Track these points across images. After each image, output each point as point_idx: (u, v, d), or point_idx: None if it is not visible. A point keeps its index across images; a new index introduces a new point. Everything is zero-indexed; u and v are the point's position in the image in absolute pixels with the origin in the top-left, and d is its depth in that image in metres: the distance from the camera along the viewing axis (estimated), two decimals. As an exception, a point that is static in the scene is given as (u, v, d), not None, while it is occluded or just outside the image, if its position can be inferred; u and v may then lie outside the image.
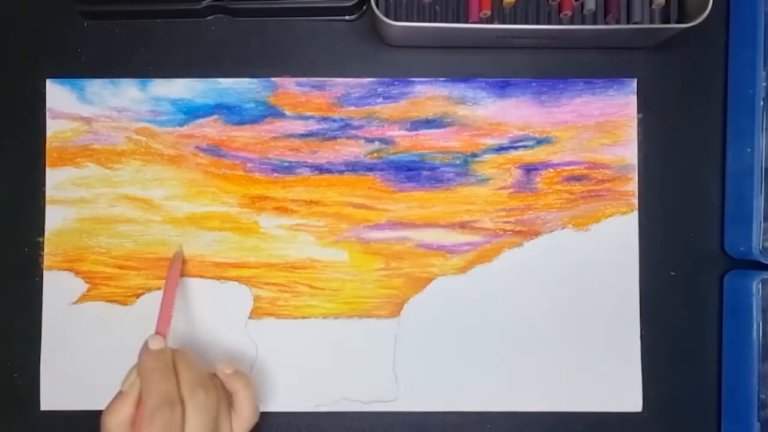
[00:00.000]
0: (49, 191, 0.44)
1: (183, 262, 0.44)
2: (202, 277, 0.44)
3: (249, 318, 0.44)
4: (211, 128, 0.44)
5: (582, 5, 0.43)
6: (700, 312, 0.44)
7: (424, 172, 0.44)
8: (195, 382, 0.36)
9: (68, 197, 0.44)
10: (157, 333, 0.38)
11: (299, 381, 0.44)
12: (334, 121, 0.45)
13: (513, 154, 0.45)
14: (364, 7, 0.44)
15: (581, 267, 0.44)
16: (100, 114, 0.45)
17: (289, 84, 0.45)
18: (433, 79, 0.45)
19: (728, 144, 0.44)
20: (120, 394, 0.37)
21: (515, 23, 0.44)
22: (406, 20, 0.43)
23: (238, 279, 0.44)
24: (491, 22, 0.43)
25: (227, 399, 0.39)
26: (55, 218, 0.44)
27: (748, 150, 0.42)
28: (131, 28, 0.45)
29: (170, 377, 0.36)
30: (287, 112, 0.45)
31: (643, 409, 0.44)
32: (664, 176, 0.45)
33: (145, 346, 0.38)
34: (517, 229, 0.44)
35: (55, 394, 0.44)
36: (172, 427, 0.34)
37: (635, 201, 0.44)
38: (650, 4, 0.44)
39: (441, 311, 0.44)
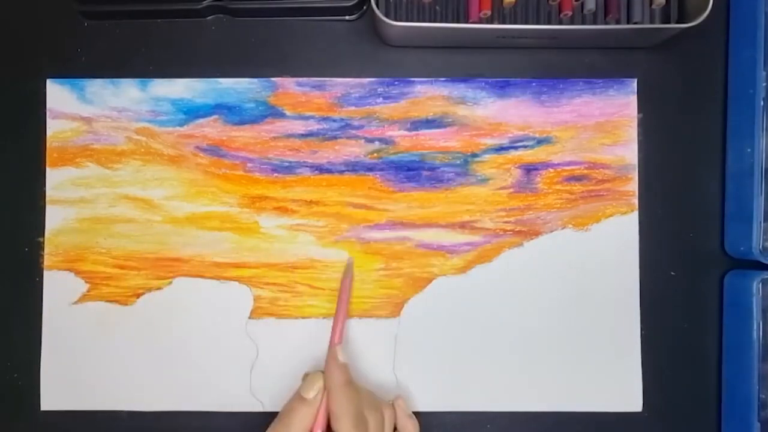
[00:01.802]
0: (49, 191, 0.44)
1: (352, 276, 0.44)
2: (202, 277, 0.44)
3: (249, 318, 0.44)
4: (211, 128, 0.44)
5: (582, 5, 0.43)
6: (700, 312, 0.44)
7: (424, 172, 0.44)
8: (371, 402, 0.38)
9: (68, 197, 0.44)
10: (337, 345, 0.39)
11: (299, 381, 0.44)
12: (334, 121, 0.45)
13: (513, 154, 0.45)
14: (364, 7, 0.44)
15: (581, 267, 0.44)
16: (100, 114, 0.45)
17: (289, 84, 0.45)
18: (433, 79, 0.45)
19: (728, 144, 0.44)
20: (303, 400, 0.37)
21: (515, 23, 0.44)
22: (406, 20, 0.44)
23: (238, 279, 0.44)
24: (491, 22, 0.43)
25: (392, 425, 0.39)
26: (55, 218, 0.44)
27: (748, 150, 0.42)
28: (131, 28, 0.45)
29: (358, 395, 0.37)
30: (287, 112, 0.45)
31: (643, 409, 0.44)
32: (664, 176, 0.45)
33: (334, 357, 0.38)
34: (517, 229, 0.44)
35: (55, 394, 0.44)
36: None
37: (635, 201, 0.44)
38: (650, 4, 0.44)
39: (441, 311, 0.44)
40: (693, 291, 0.45)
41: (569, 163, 0.45)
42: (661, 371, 0.44)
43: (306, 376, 0.39)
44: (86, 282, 0.44)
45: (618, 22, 0.44)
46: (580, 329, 0.44)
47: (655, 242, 0.44)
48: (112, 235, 0.44)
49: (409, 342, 0.44)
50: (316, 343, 0.44)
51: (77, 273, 0.44)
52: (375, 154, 0.44)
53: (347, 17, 0.45)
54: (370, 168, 0.44)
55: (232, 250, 0.44)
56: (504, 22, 0.44)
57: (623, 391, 0.44)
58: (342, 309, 0.41)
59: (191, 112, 0.45)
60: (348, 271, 0.43)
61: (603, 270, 0.44)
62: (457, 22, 0.44)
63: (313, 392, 0.37)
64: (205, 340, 0.44)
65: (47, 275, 0.44)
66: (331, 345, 0.39)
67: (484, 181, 0.44)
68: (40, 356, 0.44)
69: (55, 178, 0.44)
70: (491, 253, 0.44)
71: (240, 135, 0.44)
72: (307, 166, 0.44)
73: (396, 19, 0.43)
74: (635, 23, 0.43)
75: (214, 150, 0.44)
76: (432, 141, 0.44)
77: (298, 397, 0.37)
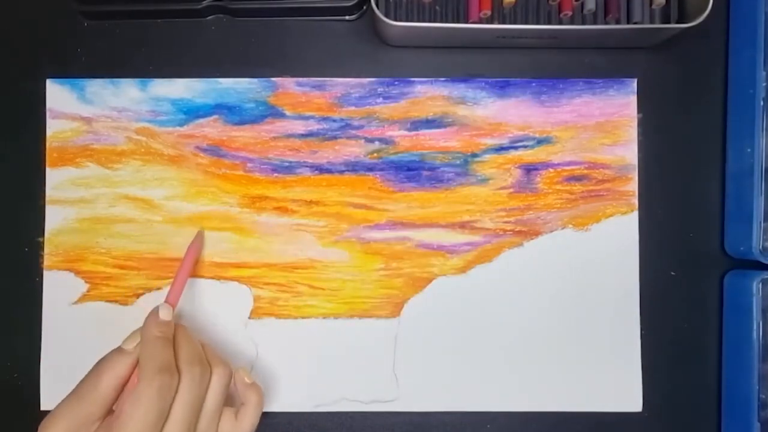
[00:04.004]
0: (49, 191, 0.44)
1: (202, 244, 0.44)
2: (202, 277, 0.44)
3: (249, 318, 0.44)
4: (211, 128, 0.44)
5: (582, 5, 0.43)
6: (700, 312, 0.44)
7: (424, 172, 0.44)
8: (194, 356, 0.37)
9: (68, 197, 0.44)
10: (166, 302, 0.39)
11: (299, 381, 0.44)
12: (334, 121, 0.45)
13: (513, 154, 0.45)
14: (364, 7, 0.44)
15: (581, 267, 0.44)
16: (100, 114, 0.45)
17: (289, 84, 0.45)
18: (433, 79, 0.45)
19: (728, 144, 0.44)
20: (121, 351, 0.36)
21: (515, 23, 0.44)
22: (406, 20, 0.44)
23: (238, 279, 0.44)
24: (491, 22, 0.43)
25: (226, 386, 0.38)
26: (55, 218, 0.44)
27: (748, 150, 0.42)
28: (131, 28, 0.45)
29: (171, 348, 0.36)
30: (287, 112, 0.45)
31: (643, 409, 0.44)
32: (664, 176, 0.45)
33: (154, 313, 0.38)
34: (517, 229, 0.44)
35: (55, 394, 0.44)
36: (168, 394, 0.34)
37: (635, 201, 0.44)
38: (650, 4, 0.44)
39: (441, 311, 0.44)
40: (693, 291, 0.45)
41: (569, 163, 0.45)
42: (661, 371, 0.44)
43: None
44: (86, 282, 0.44)
45: (618, 22, 0.44)
46: (580, 329, 0.44)
47: (655, 242, 0.44)
48: (112, 235, 0.44)
49: (409, 342, 0.44)
50: (316, 343, 0.44)
51: (77, 273, 0.44)
52: (375, 154, 0.44)
53: (347, 17, 0.45)
54: (370, 168, 0.44)
55: (232, 250, 0.44)
56: (504, 22, 0.44)
57: (623, 391, 0.44)
58: (181, 272, 0.41)
59: (191, 112, 0.45)
60: (197, 239, 0.43)
61: (603, 270, 0.44)
62: (457, 22, 0.44)
63: (131, 344, 0.36)
64: (205, 340, 0.44)
65: (47, 275, 0.44)
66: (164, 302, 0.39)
67: (484, 181, 0.44)
68: (40, 356, 0.44)
69: (55, 178, 0.44)
70: (491, 253, 0.44)
71: (240, 135, 0.44)
72: (307, 166, 0.44)
73: (396, 19, 0.43)
74: (635, 23, 0.43)
75: (214, 150, 0.44)
76: (432, 141, 0.45)
77: (116, 348, 0.37)
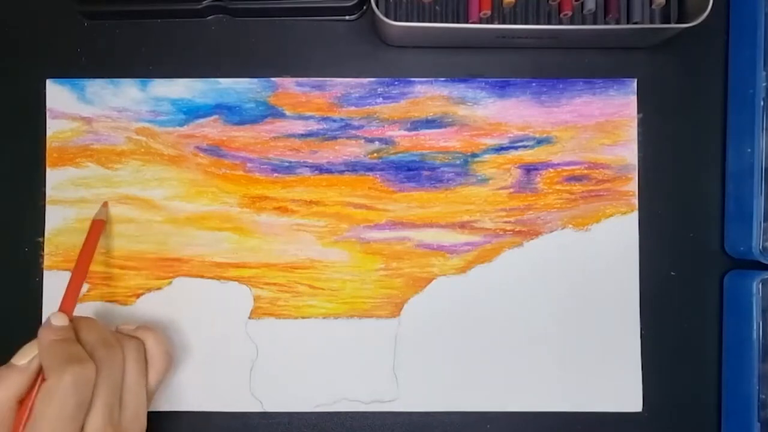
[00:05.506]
0: (49, 191, 0.44)
1: (104, 224, 0.41)
2: (202, 277, 0.44)
3: (249, 318, 0.44)
4: (211, 128, 0.44)
5: (582, 5, 0.43)
6: (700, 312, 0.44)
7: (424, 172, 0.44)
8: (96, 342, 0.35)
9: (68, 197, 0.44)
10: (60, 311, 0.37)
11: (299, 381, 0.44)
12: (334, 121, 0.45)
13: (513, 154, 0.45)
14: (364, 7, 0.44)
15: (581, 267, 0.44)
16: (100, 114, 0.45)
17: (289, 84, 0.45)
18: (433, 79, 0.45)
19: (728, 144, 0.44)
20: (11, 366, 0.34)
21: (515, 23, 0.44)
22: (406, 20, 0.44)
23: (238, 279, 0.44)
24: (491, 22, 0.43)
25: (140, 355, 0.38)
26: (55, 218, 0.44)
27: (748, 150, 0.42)
28: (131, 28, 0.45)
29: (74, 344, 0.35)
30: (287, 112, 0.45)
31: (643, 409, 0.44)
32: (664, 176, 0.45)
33: (47, 322, 0.36)
34: (517, 229, 0.44)
35: (55, 394, 0.44)
36: (84, 384, 0.33)
37: (635, 201, 0.44)
38: (650, 4, 0.44)
39: (441, 311, 0.44)
40: (693, 291, 0.45)
41: (569, 163, 0.45)
42: (661, 371, 0.44)
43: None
44: (86, 282, 0.44)
45: (618, 22, 0.44)
46: (580, 329, 0.44)
47: (655, 242, 0.44)
48: (112, 235, 0.44)
49: (409, 342, 0.44)
50: (316, 343, 0.44)
51: (77, 273, 0.44)
52: (375, 154, 0.45)
53: (347, 17, 0.45)
54: (370, 168, 0.44)
55: (232, 250, 0.44)
56: (504, 22, 0.44)
57: (623, 391, 0.44)
58: (79, 269, 0.39)
59: (191, 112, 0.45)
60: (95, 226, 0.41)
61: (603, 270, 0.44)
62: (457, 22, 0.44)
63: (23, 359, 0.34)
64: (205, 340, 0.44)
65: (47, 275, 0.44)
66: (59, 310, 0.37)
67: (484, 181, 0.44)
68: (40, 356, 0.44)
69: (55, 178, 0.44)
70: (491, 253, 0.44)
71: (240, 135, 0.44)
72: (307, 166, 0.44)
73: (396, 19, 0.43)
74: (635, 23, 0.43)
75: (214, 150, 0.44)
76: (432, 141, 0.45)
77: (5, 365, 0.34)
